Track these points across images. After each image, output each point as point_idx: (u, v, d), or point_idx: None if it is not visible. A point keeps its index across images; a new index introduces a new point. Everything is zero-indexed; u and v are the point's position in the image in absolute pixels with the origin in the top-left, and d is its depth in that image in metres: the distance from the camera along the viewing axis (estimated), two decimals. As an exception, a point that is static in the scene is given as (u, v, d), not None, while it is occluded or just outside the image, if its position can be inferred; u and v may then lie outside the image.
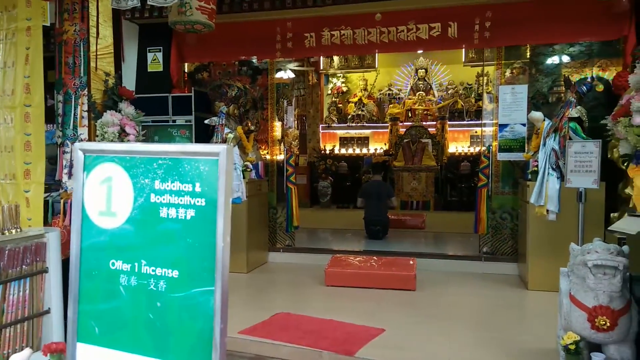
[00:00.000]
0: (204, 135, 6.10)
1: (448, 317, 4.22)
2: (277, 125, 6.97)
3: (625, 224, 2.69)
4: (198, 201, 1.48)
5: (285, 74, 8.57)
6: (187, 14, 4.37)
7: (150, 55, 6.56)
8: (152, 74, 6.54)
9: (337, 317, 4.17)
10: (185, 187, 1.50)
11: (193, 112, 6.01)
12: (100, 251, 1.59)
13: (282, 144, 7.04)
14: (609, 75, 5.42)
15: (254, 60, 6.76)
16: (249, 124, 6.59)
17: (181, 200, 1.50)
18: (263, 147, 6.80)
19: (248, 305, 4.72)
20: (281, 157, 6.76)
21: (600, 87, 4.69)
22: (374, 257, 5.73)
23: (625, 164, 2.89)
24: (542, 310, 4.27)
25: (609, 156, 4.12)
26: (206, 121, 5.86)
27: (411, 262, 5.42)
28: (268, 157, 6.80)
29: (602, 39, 5.39)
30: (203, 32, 4.72)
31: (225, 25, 5.81)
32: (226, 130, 5.80)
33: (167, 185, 1.52)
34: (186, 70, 6.95)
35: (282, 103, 8.50)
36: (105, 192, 1.60)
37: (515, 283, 5.33)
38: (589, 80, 4.98)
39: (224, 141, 5.76)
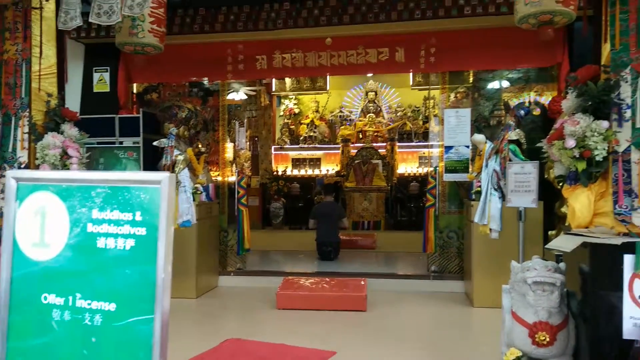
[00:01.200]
0: (153, 157, 5.96)
1: (397, 337, 4.26)
2: (229, 146, 6.91)
3: (561, 242, 2.82)
4: (138, 230, 1.44)
5: (237, 96, 8.58)
6: (138, 36, 4.31)
7: (96, 76, 6.38)
8: (99, 95, 6.36)
9: (288, 341, 4.12)
10: (125, 216, 1.45)
11: (141, 134, 5.87)
12: (32, 284, 1.51)
13: (233, 165, 6.97)
14: (546, 99, 5.76)
15: (205, 82, 6.71)
16: (200, 146, 6.50)
17: (120, 230, 1.45)
18: (214, 169, 6.71)
19: (196, 332, 4.58)
20: (232, 179, 6.69)
21: (537, 111, 4.96)
22: (326, 279, 5.73)
23: (560, 185, 3.05)
24: (487, 327, 4.39)
25: (545, 177, 4.35)
26: (155, 143, 5.72)
27: (362, 283, 5.46)
28: (219, 179, 6.71)
29: (538, 65, 5.76)
30: (152, 54, 4.66)
31: (175, 46, 5.75)
32: (176, 152, 5.68)
33: (106, 215, 1.47)
34: (134, 91, 6.80)
35: (234, 124, 8.47)
36: (38, 223, 1.52)
37: (462, 300, 5.47)
38: (526, 104, 5.27)
39: (174, 163, 5.64)
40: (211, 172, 6.63)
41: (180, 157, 5.56)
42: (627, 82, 2.62)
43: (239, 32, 5.97)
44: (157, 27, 4.36)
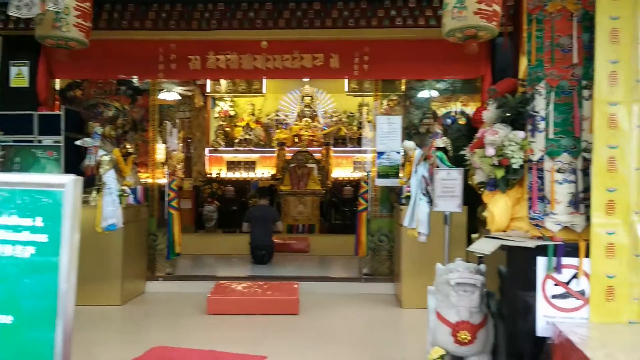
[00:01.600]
0: (76, 157, 5.65)
1: (329, 339, 4.30)
2: (160, 148, 6.68)
3: (481, 245, 2.97)
4: (39, 237, 1.34)
5: (170, 96, 8.32)
6: (62, 30, 4.07)
7: (14, 70, 5.96)
8: (16, 90, 5.96)
9: (218, 347, 4.02)
10: (24, 221, 1.34)
11: (62, 132, 5.54)
12: None
13: (165, 167, 6.75)
14: (471, 110, 6.07)
15: (135, 80, 6.45)
16: (128, 146, 6.23)
17: (19, 237, 1.34)
18: (143, 171, 6.46)
19: (120, 341, 4.38)
20: (163, 181, 6.47)
21: (462, 121, 5.22)
22: (258, 283, 5.68)
23: (481, 191, 3.22)
24: (414, 327, 4.53)
25: (469, 183, 4.57)
26: (78, 142, 5.42)
27: (295, 286, 5.46)
28: (149, 181, 6.47)
29: (463, 77, 6.08)
30: (76, 49, 4.41)
31: (102, 42, 5.48)
32: (101, 152, 5.41)
33: (3, 220, 1.35)
34: (57, 87, 6.41)
35: (166, 125, 8.21)
36: None
37: (392, 302, 5.62)
38: (453, 114, 5.53)
39: (98, 164, 5.37)
40: (140, 174, 6.38)
41: (106, 158, 5.30)
42: (541, 95, 2.81)
43: (171, 31, 5.81)
44: (82, 21, 4.15)
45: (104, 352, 3.95)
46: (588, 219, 2.71)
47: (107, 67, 6.02)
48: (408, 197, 5.05)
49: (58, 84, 6.42)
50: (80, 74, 6.26)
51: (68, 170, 5.56)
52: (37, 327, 1.30)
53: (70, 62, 5.82)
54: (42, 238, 1.33)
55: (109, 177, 5.22)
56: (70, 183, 1.31)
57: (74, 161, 5.63)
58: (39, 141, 5.61)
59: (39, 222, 1.33)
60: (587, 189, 2.74)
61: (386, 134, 5.72)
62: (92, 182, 5.54)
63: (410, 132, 6.14)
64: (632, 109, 2.61)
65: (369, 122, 6.43)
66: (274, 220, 7.85)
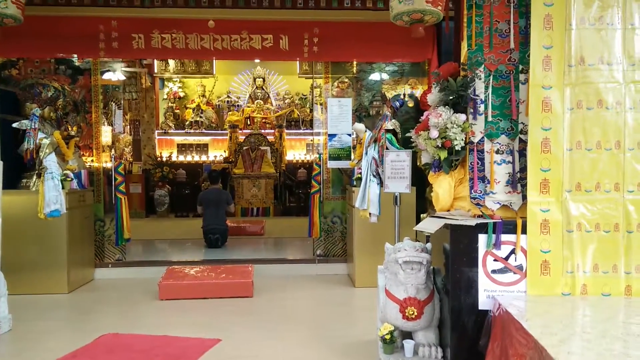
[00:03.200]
0: (13, 140, 5.37)
1: (283, 320, 4.36)
2: (105, 130, 6.44)
3: (426, 224, 3.08)
4: None
5: (115, 76, 7.99)
6: (1, 6, 3.83)
7: (-58, 48, 5.55)
8: (-55, 70, 5.55)
9: (171, 332, 4.01)
10: None
11: (-3, 114, 5.24)
12: None
13: (112, 150, 6.52)
14: (419, 92, 6.19)
15: (75, 59, 6.15)
16: (69, 129, 5.96)
17: None
18: (87, 154, 6.22)
19: (68, 329, 4.26)
20: (110, 164, 6.26)
21: (411, 103, 5.31)
22: (212, 267, 5.65)
23: (427, 172, 3.32)
24: (366, 306, 4.66)
25: (417, 164, 4.69)
26: (15, 124, 5.14)
27: (249, 269, 5.47)
28: (95, 164, 6.24)
29: (411, 60, 6.18)
30: (9, 25, 4.15)
31: (37, 18, 5.20)
32: (40, 135, 5.17)
33: None
34: (-9, 67, 6.03)
35: (111, 106, 7.91)
36: None
37: (345, 282, 5.73)
38: (401, 96, 5.63)
39: (38, 147, 5.13)
40: (84, 158, 6.14)
41: (46, 141, 5.08)
42: (481, 79, 2.92)
43: (112, 7, 5.57)
44: (21, -3, 3.92)
45: (52, 341, 3.84)
46: (524, 197, 2.86)
47: (44, 45, 5.68)
48: (359, 179, 5.14)
49: (-8, 63, 6.04)
50: (15, 52, 5.88)
51: (4, 154, 5.27)
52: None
53: (3, 39, 5.48)
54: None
55: (50, 161, 5.00)
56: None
57: (10, 145, 5.34)
58: (-28, 124, 5.29)
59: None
60: (523, 169, 2.88)
61: (337, 117, 5.76)
62: (32, 167, 5.30)
63: (360, 114, 6.21)
64: (565, 93, 2.75)
65: (320, 104, 6.42)
66: (227, 203, 7.79)
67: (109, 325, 4.23)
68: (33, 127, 5.01)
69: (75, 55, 6.06)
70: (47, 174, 4.91)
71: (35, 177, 5.30)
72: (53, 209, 4.91)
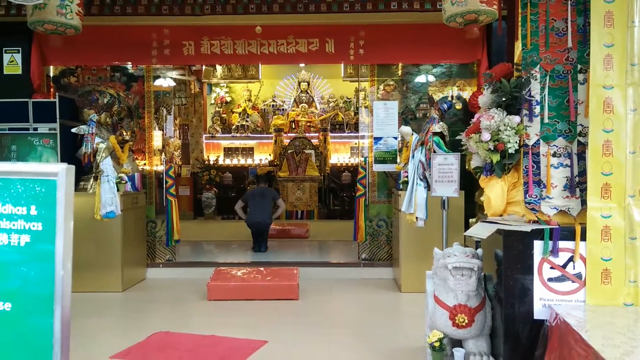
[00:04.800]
0: (72, 145, 5.64)
1: (329, 323, 4.35)
2: (157, 134, 6.66)
3: (477, 230, 2.99)
4: (34, 226, 1.35)
5: (165, 82, 8.28)
6: (67, 17, 4.06)
7: (6, 57, 5.92)
8: (9, 77, 5.91)
9: (219, 332, 4.08)
10: (18, 210, 1.35)
11: (58, 120, 5.52)
12: None
13: (163, 154, 6.74)
14: (468, 94, 6.05)
15: (129, 67, 6.41)
16: (124, 134, 6.21)
17: (14, 225, 1.35)
18: (140, 158, 6.45)
19: (122, 327, 4.42)
20: (161, 168, 6.47)
21: (459, 105, 5.20)
22: (258, 269, 5.72)
23: (477, 176, 3.23)
24: (413, 311, 4.59)
25: (466, 168, 4.58)
26: (74, 130, 5.41)
27: (294, 272, 5.50)
28: (147, 168, 6.46)
29: (459, 61, 6.05)
30: (68, 35, 4.38)
31: (94, 28, 5.45)
32: (97, 139, 5.41)
33: (-3, 209, 1.36)
34: (50, 74, 6.37)
35: (162, 112, 8.17)
36: None
37: (391, 286, 5.67)
38: (449, 98, 5.52)
39: (95, 151, 5.37)
40: (137, 161, 6.37)
41: (102, 145, 5.30)
42: (536, 79, 2.81)
43: (164, 16, 5.75)
44: (80, 8, 4.14)
45: (106, 338, 3.99)
46: (583, 202, 2.73)
47: (100, 53, 5.97)
48: (406, 183, 5.07)
49: (52, 70, 6.37)
50: (73, 60, 6.21)
51: (64, 158, 5.56)
52: (35, 313, 1.32)
53: (63, 48, 5.81)
54: (37, 226, 1.34)
55: (106, 164, 5.22)
56: (62, 171, 1.32)
57: (70, 149, 5.62)
58: (35, 129, 5.59)
59: (33, 210, 1.34)
60: (582, 173, 2.76)
61: (383, 120, 5.71)
62: (89, 170, 5.55)
63: (407, 117, 6.13)
64: (627, 93, 2.61)
65: (365, 107, 6.40)
66: (273, 198, 7.72)
67: (160, 324, 4.36)
68: (90, 132, 5.25)
69: (130, 63, 6.32)
70: (103, 176, 5.13)
71: (92, 179, 5.54)
72: (109, 211, 5.12)
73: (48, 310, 1.30)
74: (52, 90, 6.29)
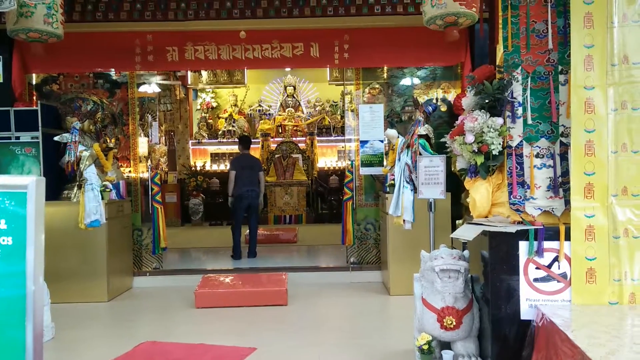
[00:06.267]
0: (55, 153, 5.57)
1: (318, 328, 4.33)
2: (142, 141, 6.59)
3: (463, 231, 3.00)
4: (4, 240, 1.31)
5: (150, 88, 8.21)
6: (53, 26, 4.02)
7: (-13, 65, 5.82)
8: (-10, 85, 5.81)
9: (207, 340, 4.04)
10: None
11: (40, 128, 5.44)
12: None
13: (149, 161, 6.67)
14: (452, 96, 6.09)
15: (112, 73, 6.34)
16: (108, 141, 6.14)
17: None
18: (125, 165, 6.38)
19: (108, 337, 4.36)
20: (146, 175, 6.40)
21: (444, 108, 5.23)
22: (246, 275, 5.68)
23: (462, 177, 3.25)
24: (401, 314, 4.58)
25: (452, 169, 4.60)
26: (56, 138, 5.34)
27: (283, 277, 5.47)
28: (132, 175, 6.40)
29: (443, 64, 6.11)
30: (49, 42, 4.32)
31: (77, 34, 5.39)
32: (81, 147, 5.35)
33: (-34, 224, 1.32)
34: (33, 82, 6.28)
35: (147, 118, 8.11)
36: None
37: (379, 290, 5.66)
38: (434, 101, 5.55)
39: (78, 159, 5.30)
40: (122, 169, 6.31)
41: (86, 153, 5.24)
42: (518, 81, 2.84)
43: (147, 22, 5.73)
44: (62, 16, 4.10)
45: (92, 349, 3.93)
46: (567, 202, 2.76)
47: (82, 60, 5.92)
48: (392, 185, 5.08)
49: (34, 78, 6.29)
50: (55, 67, 6.14)
51: (47, 166, 5.48)
52: (6, 329, 1.28)
53: (45, 56, 5.71)
54: (7, 241, 1.31)
55: (90, 172, 5.16)
56: (32, 184, 1.29)
57: (53, 157, 5.54)
58: (17, 138, 5.51)
59: (2, 224, 1.31)
60: (564, 173, 2.78)
61: (369, 123, 5.73)
62: (72, 179, 5.47)
63: (392, 120, 6.15)
64: (608, 93, 2.64)
65: (351, 111, 6.41)
66: (260, 169, 7.50)
67: (147, 333, 4.30)
68: (74, 140, 5.19)
69: (113, 69, 6.26)
70: (87, 185, 5.07)
71: (76, 188, 5.46)
72: (93, 219, 5.06)
73: (20, 326, 1.26)
74: (34, 98, 6.21)
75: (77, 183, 5.37)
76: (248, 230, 7.46)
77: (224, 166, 11.04)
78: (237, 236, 7.35)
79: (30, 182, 1.29)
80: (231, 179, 7.21)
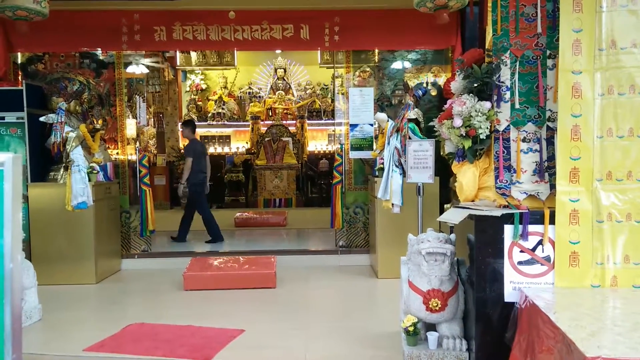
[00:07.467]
0: (41, 134, 5.48)
1: (306, 311, 4.36)
2: (130, 123, 6.51)
3: (450, 215, 3.02)
4: None
5: (138, 69, 8.09)
6: (42, 5, 3.94)
7: (-31, 44, 5.70)
8: (-27, 65, 5.69)
9: (196, 322, 4.05)
10: None
11: (25, 108, 5.35)
12: None
13: (137, 143, 6.60)
14: (443, 80, 6.08)
15: (99, 53, 6.23)
16: (95, 122, 6.06)
17: None
18: (113, 147, 6.31)
19: (96, 319, 4.36)
20: (134, 157, 6.35)
21: (434, 92, 5.22)
22: (235, 257, 5.69)
23: (450, 161, 3.25)
24: (389, 297, 4.62)
25: (441, 153, 4.61)
26: (42, 118, 5.26)
27: (272, 260, 5.49)
28: (120, 157, 6.34)
29: (434, 47, 6.08)
30: (34, 20, 4.23)
31: (62, 13, 5.30)
32: (67, 128, 5.27)
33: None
34: (18, 61, 6.16)
35: (135, 99, 8.00)
36: None
37: (368, 273, 5.71)
38: (424, 85, 5.54)
39: (65, 141, 5.23)
40: (110, 150, 6.24)
41: (72, 134, 5.18)
42: (506, 65, 2.83)
43: (134, 0, 5.63)
44: (48, -6, 4.03)
45: (80, 331, 3.93)
46: (552, 187, 2.78)
47: (68, 39, 5.81)
48: (381, 169, 5.09)
49: (19, 58, 6.16)
50: (41, 46, 6.02)
51: (33, 147, 5.41)
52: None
53: (30, 34, 5.59)
54: (-17, 218, 1.29)
55: (77, 154, 5.10)
56: (9, 161, 1.26)
57: (38, 138, 5.46)
58: (2, 118, 5.42)
59: (-21, 202, 1.28)
60: (550, 158, 2.79)
61: (359, 106, 5.70)
62: (59, 160, 5.41)
63: (382, 103, 6.14)
64: (595, 78, 2.65)
65: (342, 94, 6.37)
66: (207, 155, 7.55)
67: (135, 315, 4.31)
68: (60, 120, 5.12)
69: (99, 49, 6.15)
70: (73, 166, 5.01)
71: (62, 170, 5.41)
72: (80, 201, 5.02)
73: (-4, 305, 1.25)
74: (19, 77, 6.10)
75: (64, 164, 5.31)
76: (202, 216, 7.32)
77: (213, 149, 10.98)
78: (212, 218, 7.30)
79: (6, 159, 1.26)
80: (188, 165, 7.09)
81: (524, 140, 2.82)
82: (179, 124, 10.18)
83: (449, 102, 3.07)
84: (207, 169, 7.40)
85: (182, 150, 8.68)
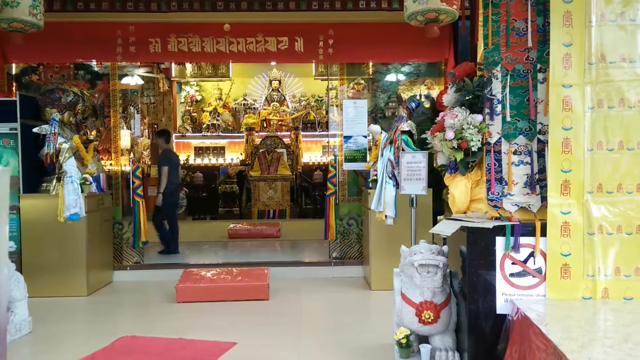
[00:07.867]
0: (34, 145, 5.47)
1: (299, 323, 4.34)
2: (124, 134, 6.50)
3: (442, 227, 3.03)
4: None
5: (133, 80, 8.10)
6: (37, 17, 3.96)
7: (-36, 55, 5.70)
8: (-33, 76, 5.69)
9: (187, 335, 4.02)
10: None
11: (18, 119, 5.34)
12: None
13: (131, 154, 6.58)
14: (436, 93, 6.13)
15: (93, 64, 6.24)
16: (88, 133, 6.05)
17: None
18: (106, 158, 6.30)
19: (87, 332, 4.31)
20: (128, 168, 6.33)
21: (427, 104, 5.26)
22: (227, 269, 5.67)
23: (442, 173, 3.27)
24: (382, 309, 4.61)
25: (434, 165, 4.64)
26: (35, 129, 5.25)
27: (265, 272, 5.47)
28: (113, 168, 6.32)
29: (427, 60, 6.14)
30: (29, 32, 4.24)
31: (57, 24, 5.31)
32: (60, 139, 5.26)
33: None
34: (12, 72, 6.16)
35: (130, 110, 8.01)
36: None
37: (361, 285, 5.69)
38: (417, 97, 5.58)
39: (58, 151, 5.22)
40: (103, 161, 6.22)
41: (65, 145, 5.16)
42: (498, 79, 2.87)
43: (129, 12, 5.67)
44: (42, 5, 4.06)
45: (70, 344, 3.89)
46: (543, 199, 2.79)
47: (63, 50, 5.81)
48: (375, 181, 5.10)
49: (13, 68, 6.16)
50: (35, 57, 6.02)
51: (26, 158, 5.39)
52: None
53: (24, 45, 5.60)
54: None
55: (70, 165, 5.09)
56: (-4, 173, 1.26)
57: (31, 149, 5.44)
58: (-5, 129, 5.41)
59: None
60: (541, 170, 2.82)
61: (352, 118, 5.74)
62: (52, 171, 5.39)
63: (376, 115, 6.18)
64: (585, 91, 2.68)
65: (336, 106, 6.41)
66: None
67: (126, 328, 4.27)
68: (53, 131, 5.10)
69: (94, 60, 6.17)
70: (66, 177, 5.00)
71: (55, 181, 5.38)
72: (72, 213, 5.00)
73: (-19, 317, 1.24)
74: (13, 88, 6.09)
75: (57, 175, 5.29)
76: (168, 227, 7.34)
77: (207, 160, 10.97)
78: (177, 229, 7.43)
79: (-7, 171, 1.26)
80: (165, 174, 7.08)
81: (515, 152, 2.85)
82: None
83: (441, 114, 3.10)
84: (179, 178, 7.50)
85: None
